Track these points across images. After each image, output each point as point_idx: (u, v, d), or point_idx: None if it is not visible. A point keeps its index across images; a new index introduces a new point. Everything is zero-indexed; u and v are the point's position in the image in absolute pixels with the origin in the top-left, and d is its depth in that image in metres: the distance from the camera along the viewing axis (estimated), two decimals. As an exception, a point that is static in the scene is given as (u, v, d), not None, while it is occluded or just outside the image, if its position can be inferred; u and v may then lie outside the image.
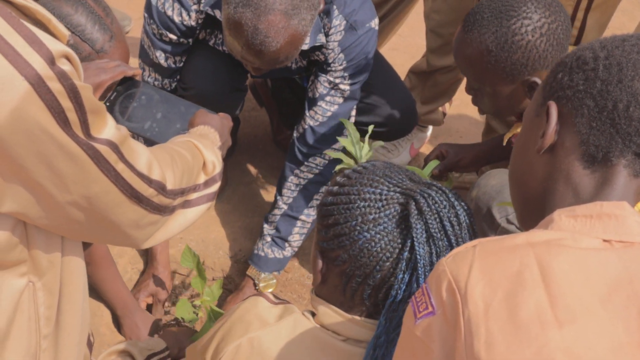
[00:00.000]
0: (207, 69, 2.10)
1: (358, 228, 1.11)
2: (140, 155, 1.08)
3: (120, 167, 1.03)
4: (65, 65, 0.92)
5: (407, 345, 0.87)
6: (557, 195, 0.93)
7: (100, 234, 1.12)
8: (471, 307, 0.77)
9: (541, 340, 0.73)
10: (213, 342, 1.24)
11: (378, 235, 1.10)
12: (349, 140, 1.84)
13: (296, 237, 2.27)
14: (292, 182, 2.23)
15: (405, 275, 1.09)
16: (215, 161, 1.37)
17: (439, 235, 1.08)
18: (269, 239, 2.25)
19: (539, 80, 1.56)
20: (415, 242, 1.07)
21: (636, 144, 0.89)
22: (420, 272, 1.07)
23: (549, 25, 1.54)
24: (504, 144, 1.87)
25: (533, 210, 0.99)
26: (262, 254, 2.25)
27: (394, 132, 2.43)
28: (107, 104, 1.54)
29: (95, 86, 1.46)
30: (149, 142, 1.52)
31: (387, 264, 1.10)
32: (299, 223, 2.25)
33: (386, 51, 2.74)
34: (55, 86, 0.90)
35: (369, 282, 1.12)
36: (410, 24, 3.17)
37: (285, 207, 2.24)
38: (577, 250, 0.80)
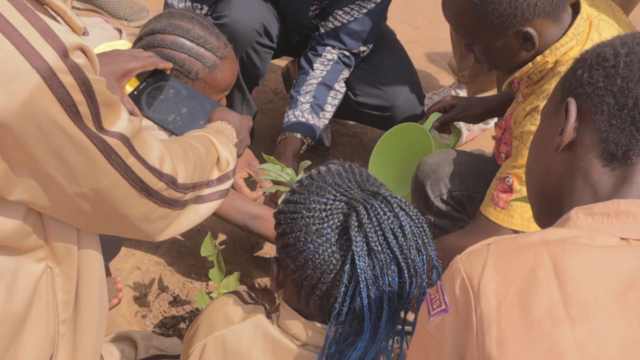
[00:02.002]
0: (244, 2, 2.14)
1: (302, 239, 1.09)
2: (153, 148, 1.09)
3: (130, 160, 1.03)
4: (79, 59, 0.92)
5: (420, 341, 0.86)
6: (575, 193, 0.91)
7: (110, 226, 1.13)
8: (483, 304, 0.76)
9: (553, 338, 0.72)
10: (188, 335, 1.26)
11: (321, 247, 1.08)
12: (272, 173, 1.79)
13: (329, 108, 2.32)
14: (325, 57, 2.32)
15: (349, 289, 1.07)
16: (229, 158, 1.37)
17: (380, 248, 1.06)
18: (307, 106, 2.29)
19: (531, 30, 1.50)
20: (355, 256, 1.05)
21: None
22: (362, 285, 1.05)
23: None
24: (503, 88, 1.83)
25: (550, 208, 0.98)
26: (303, 119, 2.28)
27: (397, 118, 2.44)
28: (135, 93, 1.55)
29: (124, 72, 1.49)
30: (171, 135, 1.53)
31: (331, 275, 1.09)
32: (332, 93, 2.32)
33: (405, 44, 2.73)
34: (67, 79, 0.91)
35: (317, 293, 1.11)
36: (430, 16, 3.15)
37: (320, 78, 2.30)
38: (592, 248, 0.79)
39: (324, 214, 1.10)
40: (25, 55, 0.87)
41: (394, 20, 2.75)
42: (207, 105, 1.61)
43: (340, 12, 2.26)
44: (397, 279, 1.08)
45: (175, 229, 1.23)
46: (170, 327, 2.13)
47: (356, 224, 1.06)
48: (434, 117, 2.02)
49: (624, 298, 0.75)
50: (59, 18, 0.98)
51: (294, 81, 2.41)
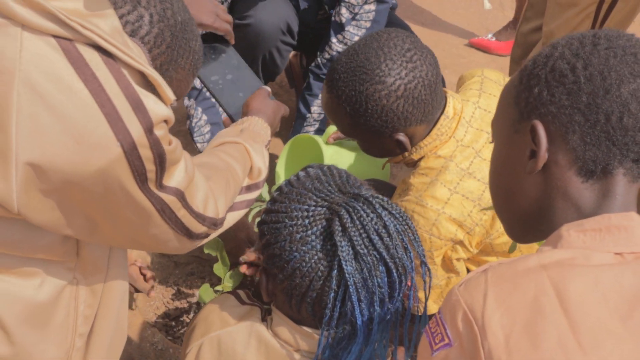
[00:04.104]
0: (265, 2, 2.15)
1: (287, 248, 1.09)
2: (198, 190, 1.10)
3: (181, 213, 1.06)
4: (161, 130, 0.94)
5: None
6: (558, 212, 0.89)
7: (144, 248, 1.15)
8: (490, 338, 0.75)
9: None
10: (187, 333, 1.26)
11: (307, 255, 1.08)
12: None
13: None
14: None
15: (338, 294, 1.06)
16: (262, 168, 1.39)
17: (366, 251, 1.05)
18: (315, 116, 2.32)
19: (402, 137, 1.52)
20: (342, 261, 1.04)
21: (634, 152, 0.85)
22: (351, 289, 1.05)
23: (406, 85, 1.46)
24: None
25: (527, 226, 0.96)
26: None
27: None
28: None
29: (198, 23, 1.50)
30: (210, 94, 1.58)
31: (320, 282, 1.08)
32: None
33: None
34: (146, 153, 0.92)
35: (307, 300, 1.10)
36: (434, 13, 3.15)
37: (317, 123, 2.32)
38: (590, 269, 0.78)
39: (306, 221, 1.09)
40: (113, 127, 0.88)
41: (399, 16, 2.75)
42: (251, 81, 1.64)
43: (334, 41, 2.25)
44: (386, 279, 1.07)
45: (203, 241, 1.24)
46: (174, 318, 2.15)
47: (340, 228, 1.05)
48: (332, 128, 2.02)
49: (630, 317, 0.75)
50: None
51: (297, 81, 2.41)
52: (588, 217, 0.85)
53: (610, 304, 0.75)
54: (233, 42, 1.60)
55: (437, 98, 1.53)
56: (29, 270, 1.04)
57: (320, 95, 2.31)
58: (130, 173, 0.92)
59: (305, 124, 2.34)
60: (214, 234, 1.23)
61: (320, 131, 2.32)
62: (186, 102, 2.25)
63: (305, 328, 1.14)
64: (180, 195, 1.03)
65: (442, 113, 1.56)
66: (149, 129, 0.91)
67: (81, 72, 0.86)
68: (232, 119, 1.61)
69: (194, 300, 2.21)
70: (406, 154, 1.60)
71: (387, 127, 1.51)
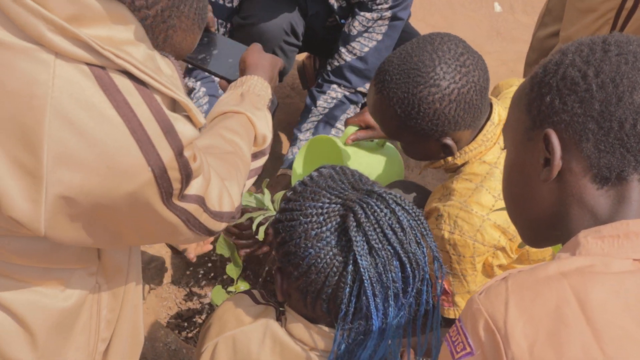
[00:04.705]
0: (269, 2, 2.15)
1: (303, 245, 1.10)
2: (213, 189, 1.10)
3: (204, 217, 1.07)
4: (189, 151, 0.95)
5: None
6: (574, 219, 0.89)
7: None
8: (514, 348, 0.75)
9: None
10: (202, 332, 1.27)
11: (322, 251, 1.09)
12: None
13: None
14: (329, 95, 2.30)
15: (354, 289, 1.07)
16: (266, 134, 1.38)
17: (380, 245, 1.06)
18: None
19: (450, 142, 1.52)
20: (357, 255, 1.05)
21: None
22: (366, 284, 1.06)
23: (459, 90, 1.47)
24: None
25: (541, 231, 0.96)
26: None
27: None
28: None
29: None
30: (203, 69, 1.60)
31: (335, 278, 1.09)
32: (333, 131, 2.31)
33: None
34: (175, 175, 0.94)
35: (323, 297, 1.11)
36: (445, 14, 3.16)
37: (322, 115, 2.30)
38: (611, 276, 0.78)
39: (321, 217, 1.10)
40: (144, 153, 0.89)
41: (410, 18, 2.76)
42: (238, 47, 1.65)
43: (344, 50, 2.25)
44: (400, 274, 1.08)
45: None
46: (186, 319, 2.16)
47: (354, 224, 1.06)
48: (351, 129, 2.02)
49: None
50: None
51: (309, 78, 2.41)
52: (604, 224, 0.85)
53: (633, 311, 0.75)
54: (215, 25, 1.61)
55: (485, 104, 1.54)
56: (55, 279, 1.05)
57: (327, 92, 2.32)
58: (159, 193, 0.94)
59: (310, 115, 2.35)
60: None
61: (324, 122, 2.33)
62: (185, 79, 2.26)
63: (319, 328, 1.16)
64: (201, 201, 1.05)
65: (488, 119, 1.58)
66: (179, 153, 0.93)
67: (113, 98, 0.88)
68: (229, 81, 1.58)
69: (206, 301, 2.22)
70: (449, 158, 1.60)
71: (436, 131, 1.51)
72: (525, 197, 0.96)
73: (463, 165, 1.60)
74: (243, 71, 1.52)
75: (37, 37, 0.85)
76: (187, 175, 0.96)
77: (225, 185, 1.16)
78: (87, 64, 0.87)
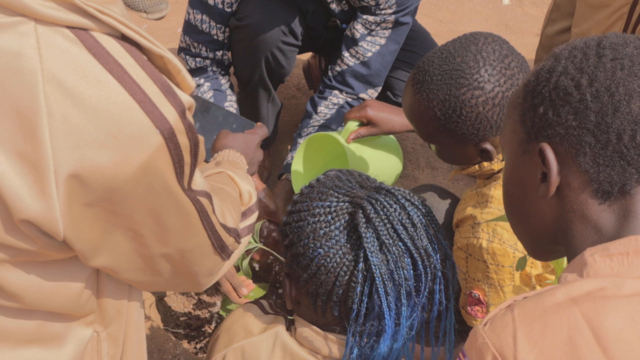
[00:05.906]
0: (265, 3, 2.11)
1: (311, 245, 1.07)
2: (215, 200, 1.04)
3: (213, 218, 1.00)
4: (191, 117, 0.89)
5: None
6: (577, 235, 0.83)
7: (175, 284, 1.07)
8: None
9: None
10: (210, 344, 1.24)
11: (332, 250, 1.06)
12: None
13: None
14: (330, 101, 2.27)
15: (365, 287, 1.04)
16: (250, 190, 1.31)
17: (391, 241, 1.03)
18: None
19: (489, 147, 1.45)
20: (367, 252, 1.02)
21: None
22: (378, 281, 1.02)
23: (503, 94, 1.39)
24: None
25: (544, 245, 0.92)
26: None
27: None
28: None
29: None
30: None
31: (346, 277, 1.06)
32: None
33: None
34: (183, 140, 0.86)
35: (334, 299, 1.08)
36: (452, 10, 3.10)
37: (323, 120, 2.25)
38: (624, 300, 0.73)
39: (329, 217, 1.07)
40: (149, 115, 0.82)
41: (417, 13, 2.71)
42: (219, 117, 1.62)
43: (347, 55, 2.21)
44: (412, 271, 1.06)
45: (220, 276, 1.17)
46: (195, 328, 2.12)
47: (364, 220, 1.04)
48: (351, 125, 1.94)
49: None
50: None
51: (315, 79, 2.37)
52: (610, 239, 0.79)
53: None
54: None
55: None
56: (50, 336, 0.98)
57: (329, 97, 2.27)
58: (172, 165, 0.86)
59: (311, 121, 2.31)
60: (235, 255, 1.17)
61: (324, 128, 2.28)
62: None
63: (330, 335, 1.12)
64: (210, 198, 0.99)
65: None
66: (182, 113, 0.85)
67: (104, 61, 0.80)
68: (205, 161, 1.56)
69: (215, 310, 2.18)
70: (486, 164, 1.53)
71: (476, 135, 1.44)
72: (525, 212, 0.91)
73: (499, 171, 1.53)
74: (215, 152, 1.49)
75: (12, 4, 0.76)
76: (195, 144, 0.89)
77: (225, 205, 1.11)
78: (68, 27, 0.79)
